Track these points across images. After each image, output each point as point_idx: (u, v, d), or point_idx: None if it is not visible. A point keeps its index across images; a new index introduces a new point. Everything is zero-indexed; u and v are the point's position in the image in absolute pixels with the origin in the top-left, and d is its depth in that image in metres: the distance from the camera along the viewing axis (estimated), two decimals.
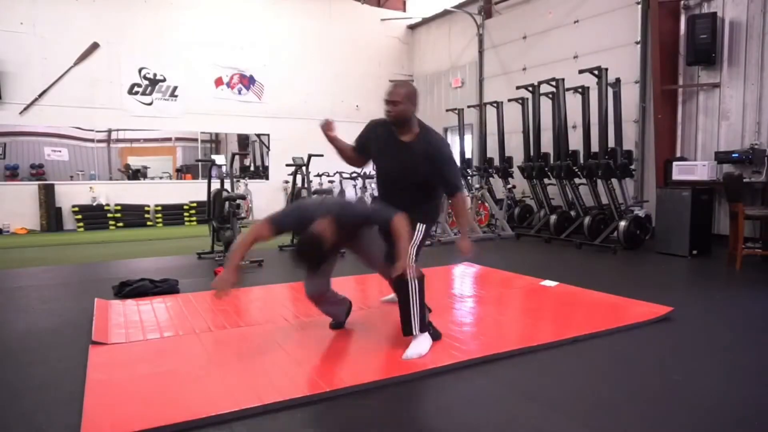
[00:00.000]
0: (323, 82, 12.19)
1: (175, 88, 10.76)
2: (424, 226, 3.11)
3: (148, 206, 10.62)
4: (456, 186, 3.11)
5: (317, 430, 2.12)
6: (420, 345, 2.88)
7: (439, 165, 2.99)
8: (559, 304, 3.99)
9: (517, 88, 8.34)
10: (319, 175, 10.80)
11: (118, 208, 10.29)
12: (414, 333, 2.90)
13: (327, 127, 3.15)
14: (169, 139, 11.41)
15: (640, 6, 7.46)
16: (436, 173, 3.01)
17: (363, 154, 3.24)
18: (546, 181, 8.02)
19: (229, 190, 6.46)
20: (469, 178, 9.57)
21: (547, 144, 7.91)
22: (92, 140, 10.34)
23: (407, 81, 2.98)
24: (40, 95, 9.59)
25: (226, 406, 2.21)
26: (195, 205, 10.86)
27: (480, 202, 8.51)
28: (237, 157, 10.58)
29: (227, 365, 2.72)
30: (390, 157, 3.09)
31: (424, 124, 3.08)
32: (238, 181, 10.40)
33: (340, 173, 11.12)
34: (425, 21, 12.69)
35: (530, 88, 8.02)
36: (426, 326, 2.97)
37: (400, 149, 3.04)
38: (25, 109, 9.50)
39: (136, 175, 10.91)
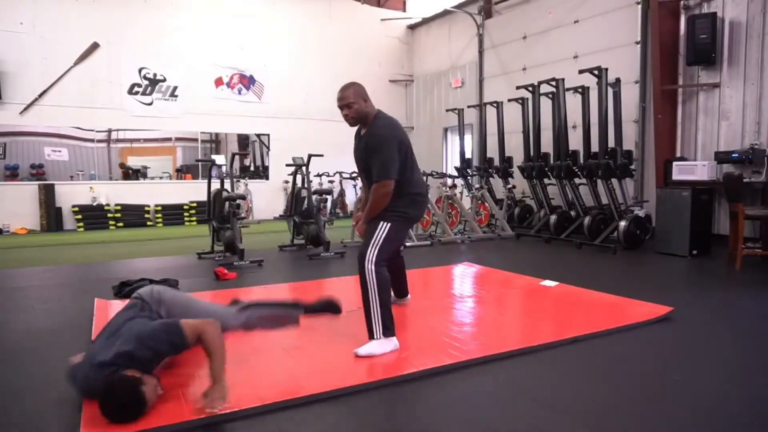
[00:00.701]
0: (323, 82, 12.17)
1: (175, 88, 10.76)
2: (388, 224, 2.98)
3: (148, 206, 10.62)
4: (377, 173, 2.90)
5: (315, 429, 2.12)
6: (377, 346, 2.85)
7: (371, 152, 2.95)
8: (559, 304, 3.99)
9: (517, 88, 8.34)
10: (319, 175, 10.82)
11: (118, 208, 10.30)
12: (376, 336, 2.88)
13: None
14: (169, 139, 11.41)
15: (640, 6, 7.46)
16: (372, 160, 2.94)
17: None
18: (546, 181, 8.01)
19: (229, 190, 6.46)
20: (469, 178, 9.57)
21: (547, 144, 7.91)
22: (92, 140, 10.34)
23: (350, 81, 3.10)
24: (40, 95, 9.59)
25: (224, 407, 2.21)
26: (195, 205, 10.87)
27: (480, 202, 8.51)
28: (237, 157, 10.60)
29: (227, 366, 2.71)
30: (356, 154, 3.16)
31: (380, 114, 3.05)
32: (238, 181, 10.40)
33: (340, 173, 11.13)
34: (425, 21, 12.70)
35: (530, 88, 8.01)
36: (391, 331, 2.91)
37: (359, 144, 3.11)
38: (25, 109, 9.50)
39: (137, 174, 10.90)
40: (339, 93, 3.00)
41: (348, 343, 3.10)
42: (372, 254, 2.92)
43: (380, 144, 2.93)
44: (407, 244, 7.00)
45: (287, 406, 2.26)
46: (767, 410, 2.25)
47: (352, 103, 2.95)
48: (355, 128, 3.20)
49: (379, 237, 2.96)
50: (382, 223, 2.99)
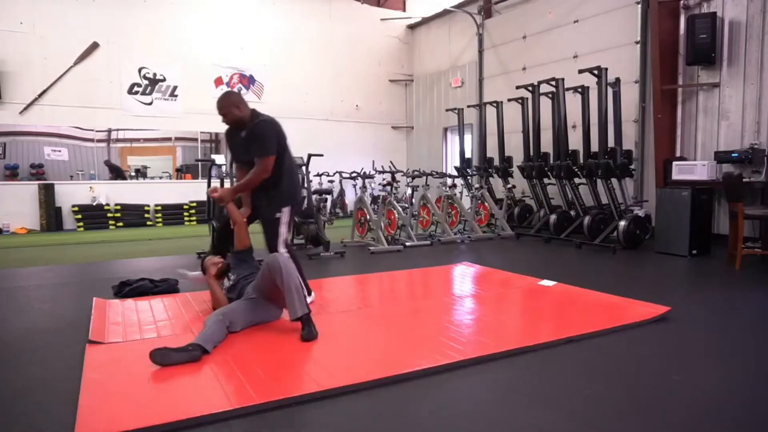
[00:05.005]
0: (323, 82, 12.19)
1: (175, 87, 10.77)
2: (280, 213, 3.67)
3: (148, 206, 10.62)
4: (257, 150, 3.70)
5: (311, 429, 2.12)
6: None
7: (255, 142, 3.70)
8: (557, 304, 3.99)
9: (517, 87, 8.33)
10: (319, 175, 10.80)
11: (118, 207, 10.30)
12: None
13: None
14: (169, 139, 11.42)
15: (639, 6, 7.46)
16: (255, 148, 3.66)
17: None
18: (546, 180, 8.01)
19: None
20: (468, 177, 9.57)
21: (547, 144, 7.91)
22: (92, 140, 10.35)
23: (228, 91, 4.00)
24: (40, 95, 9.60)
25: (220, 405, 2.21)
26: (195, 204, 10.87)
27: (480, 201, 8.51)
28: None
29: (222, 365, 2.72)
30: (237, 150, 3.89)
31: (256, 114, 3.80)
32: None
33: (340, 173, 11.12)
34: (425, 21, 12.70)
35: (530, 88, 8.01)
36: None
37: (240, 142, 3.81)
38: (25, 108, 9.51)
39: (138, 173, 10.93)
40: (217, 104, 3.70)
41: (344, 342, 3.11)
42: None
43: (263, 134, 3.79)
44: (407, 243, 7.00)
45: (282, 405, 2.26)
46: (766, 410, 2.25)
47: (227, 114, 3.67)
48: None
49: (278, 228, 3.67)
50: (275, 214, 3.68)
